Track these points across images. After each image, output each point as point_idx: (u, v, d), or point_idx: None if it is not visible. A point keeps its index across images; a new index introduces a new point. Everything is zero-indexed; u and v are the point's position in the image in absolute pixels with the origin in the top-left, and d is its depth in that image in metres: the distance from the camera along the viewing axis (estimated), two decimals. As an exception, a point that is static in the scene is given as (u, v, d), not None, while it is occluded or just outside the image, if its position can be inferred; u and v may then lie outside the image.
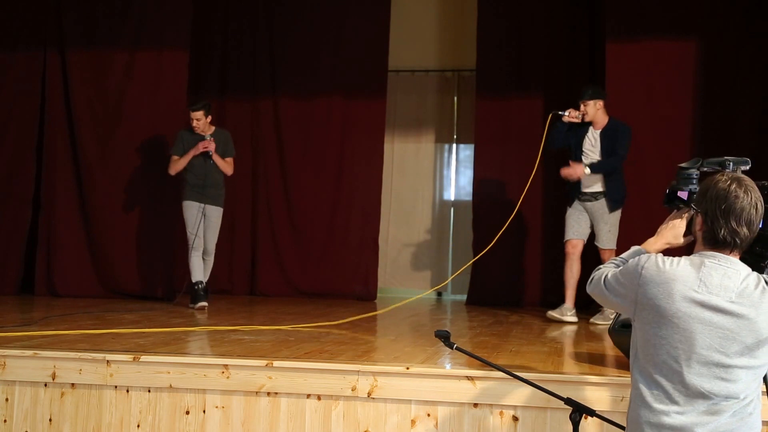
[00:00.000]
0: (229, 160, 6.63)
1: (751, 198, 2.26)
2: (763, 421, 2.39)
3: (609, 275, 2.47)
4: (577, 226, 6.07)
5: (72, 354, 3.81)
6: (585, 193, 6.04)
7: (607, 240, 6.00)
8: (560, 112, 6.05)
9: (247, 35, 8.13)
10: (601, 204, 6.00)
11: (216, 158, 6.49)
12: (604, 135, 5.99)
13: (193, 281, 6.49)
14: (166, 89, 7.24)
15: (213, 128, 6.62)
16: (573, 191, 6.09)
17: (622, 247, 6.17)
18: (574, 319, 6.04)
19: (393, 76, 8.23)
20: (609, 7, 6.70)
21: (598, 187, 6.01)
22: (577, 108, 6.03)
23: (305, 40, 7.95)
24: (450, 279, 7.36)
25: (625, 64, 6.59)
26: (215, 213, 6.59)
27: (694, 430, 2.20)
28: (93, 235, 7.37)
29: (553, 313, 6.12)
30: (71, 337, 4.46)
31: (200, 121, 6.48)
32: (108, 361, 3.75)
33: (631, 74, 6.59)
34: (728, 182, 2.28)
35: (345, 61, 7.92)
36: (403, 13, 8.24)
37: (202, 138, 6.48)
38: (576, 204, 6.09)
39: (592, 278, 2.56)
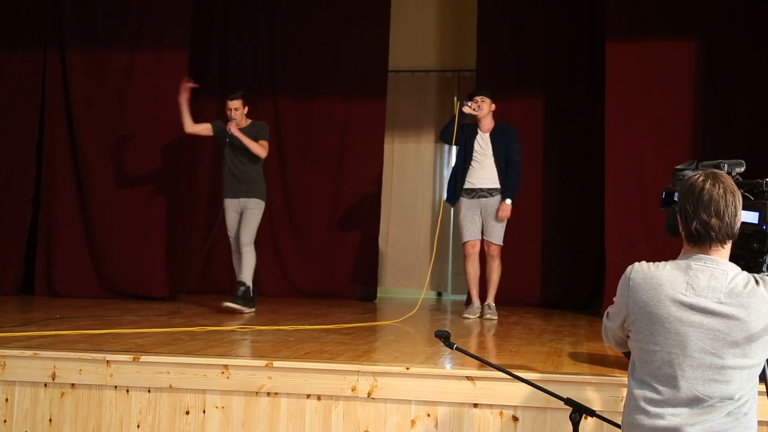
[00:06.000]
0: (262, 142, 6.27)
1: (720, 188, 2.23)
2: (760, 421, 2.38)
3: (609, 309, 2.46)
4: (473, 227, 6.05)
5: (72, 354, 3.81)
6: (477, 189, 6.04)
7: (498, 236, 6.04)
8: (467, 103, 5.98)
9: (247, 35, 8.14)
10: (496, 200, 6.02)
11: (237, 133, 6.14)
12: (494, 137, 6.05)
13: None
14: (166, 89, 7.20)
15: (249, 121, 6.37)
16: (458, 188, 6.06)
17: (626, 256, 6.10)
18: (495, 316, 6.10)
19: (393, 76, 8.24)
20: (609, 8, 6.69)
21: (494, 183, 6.01)
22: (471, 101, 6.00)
23: (305, 40, 7.96)
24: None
25: (625, 64, 6.57)
26: (249, 204, 6.26)
27: (685, 430, 2.19)
28: (93, 235, 7.36)
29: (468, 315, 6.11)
30: (71, 337, 4.46)
31: (237, 110, 6.24)
32: (108, 361, 3.75)
33: (631, 74, 6.57)
34: (700, 177, 2.27)
35: (345, 61, 7.92)
36: (403, 13, 8.24)
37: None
38: (467, 202, 6.06)
39: (603, 327, 2.53)
